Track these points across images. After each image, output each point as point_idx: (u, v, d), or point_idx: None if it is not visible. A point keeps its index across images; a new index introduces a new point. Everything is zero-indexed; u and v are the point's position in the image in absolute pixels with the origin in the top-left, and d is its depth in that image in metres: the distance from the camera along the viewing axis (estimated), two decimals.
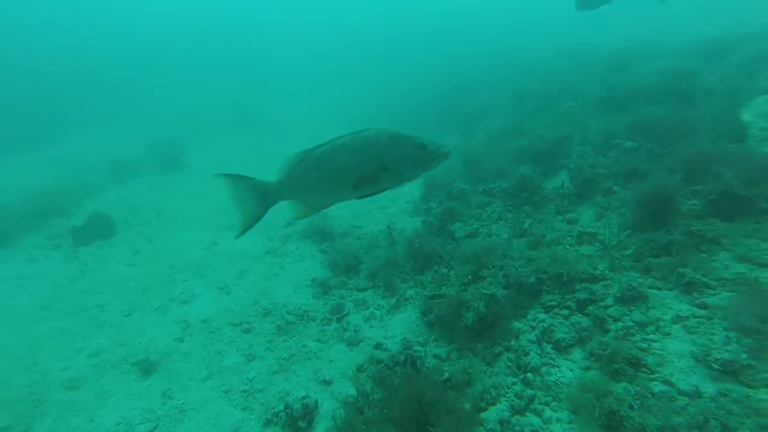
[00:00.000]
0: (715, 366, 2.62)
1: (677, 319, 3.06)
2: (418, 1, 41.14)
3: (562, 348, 3.25)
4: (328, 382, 3.70)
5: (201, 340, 4.37)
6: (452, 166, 6.74)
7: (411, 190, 7.02)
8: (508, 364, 3.32)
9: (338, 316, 4.52)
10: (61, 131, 15.85)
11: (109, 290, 5.42)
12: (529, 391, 3.02)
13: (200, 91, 22.21)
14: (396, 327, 4.22)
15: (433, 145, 2.26)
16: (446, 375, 3.33)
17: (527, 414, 2.89)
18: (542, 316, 3.55)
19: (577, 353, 3.20)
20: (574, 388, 2.84)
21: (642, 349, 2.92)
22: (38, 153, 13.28)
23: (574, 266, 3.67)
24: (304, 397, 3.50)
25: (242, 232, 2.38)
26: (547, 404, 2.90)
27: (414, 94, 14.87)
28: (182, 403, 3.60)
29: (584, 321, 3.34)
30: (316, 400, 3.44)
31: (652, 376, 2.74)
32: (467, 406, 2.95)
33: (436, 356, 3.65)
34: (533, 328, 3.49)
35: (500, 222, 5.14)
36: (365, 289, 4.94)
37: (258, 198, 2.34)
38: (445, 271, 4.59)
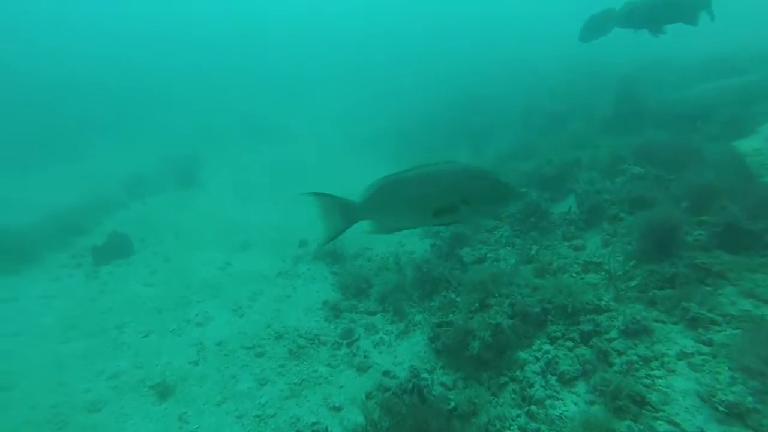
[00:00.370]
0: (721, 408, 2.64)
1: (682, 355, 3.09)
2: (429, 10, 41.53)
3: (566, 380, 3.30)
4: (338, 409, 3.80)
5: (215, 363, 4.52)
6: None
7: None
8: (513, 395, 3.38)
9: (348, 340, 4.63)
10: (84, 144, 16.35)
11: (127, 311, 5.62)
12: (533, 425, 3.07)
13: (212, 99, 22.62)
14: (404, 353, 4.31)
15: (510, 184, 2.44)
16: (452, 404, 3.40)
17: None
18: (547, 347, 3.60)
19: (581, 386, 3.24)
20: (577, 424, 2.89)
21: (646, 386, 2.96)
22: (65, 167, 13.70)
23: (579, 297, 3.73)
24: (314, 423, 3.61)
25: (325, 243, 2.88)
26: None
27: (422, 107, 15.02)
28: (197, 428, 3.73)
29: (588, 353, 3.39)
30: (326, 427, 3.54)
31: (657, 415, 2.77)
32: None
33: (442, 384, 3.73)
34: (538, 359, 3.54)
35: (508, 247, 5.21)
36: (375, 313, 5.05)
37: (343, 216, 2.61)
38: (453, 296, 4.67)
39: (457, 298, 4.55)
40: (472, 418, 3.25)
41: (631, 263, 3.99)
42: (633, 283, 3.82)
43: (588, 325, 3.55)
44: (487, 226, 5.72)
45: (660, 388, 2.93)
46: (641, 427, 2.71)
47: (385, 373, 4.07)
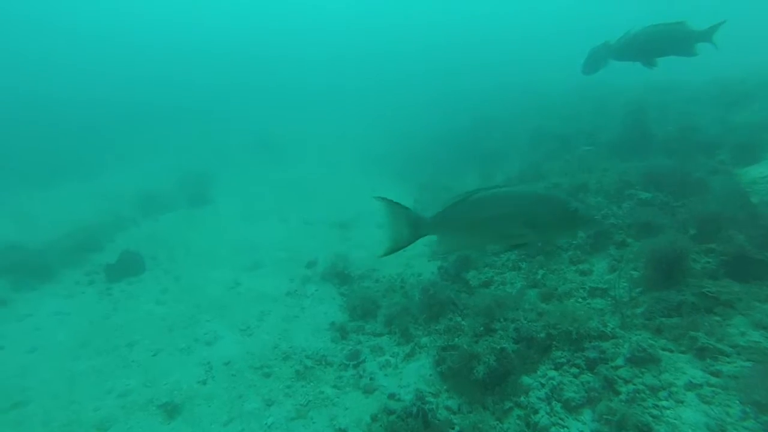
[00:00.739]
0: None
1: (691, 386, 3.05)
2: (440, 30, 42.43)
3: (571, 408, 3.28)
4: (343, 431, 3.80)
5: (223, 383, 4.56)
6: None
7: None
8: (518, 420, 3.36)
9: (355, 362, 4.65)
10: (99, 162, 16.84)
11: (138, 329, 5.73)
12: None
13: (225, 117, 23.15)
14: (410, 376, 4.31)
15: (584, 211, 2.41)
16: (457, 428, 3.40)
17: None
18: (552, 373, 3.59)
19: (587, 414, 3.21)
20: None
21: (654, 417, 2.92)
22: (81, 184, 14.12)
23: (584, 323, 3.71)
24: None
25: (387, 254, 2.66)
26: None
27: (432, 128, 15.23)
28: None
29: (594, 381, 3.36)
30: None
31: None
32: None
33: (447, 408, 3.72)
34: (543, 385, 3.52)
35: (514, 271, 5.22)
36: (381, 335, 5.06)
37: (411, 228, 2.56)
38: (459, 319, 4.68)
39: (463, 322, 4.57)
40: None
41: (638, 290, 3.98)
42: (639, 310, 3.80)
43: (593, 351, 3.53)
44: (494, 250, 5.74)
45: (668, 419, 2.89)
46: None
47: (391, 396, 4.07)
